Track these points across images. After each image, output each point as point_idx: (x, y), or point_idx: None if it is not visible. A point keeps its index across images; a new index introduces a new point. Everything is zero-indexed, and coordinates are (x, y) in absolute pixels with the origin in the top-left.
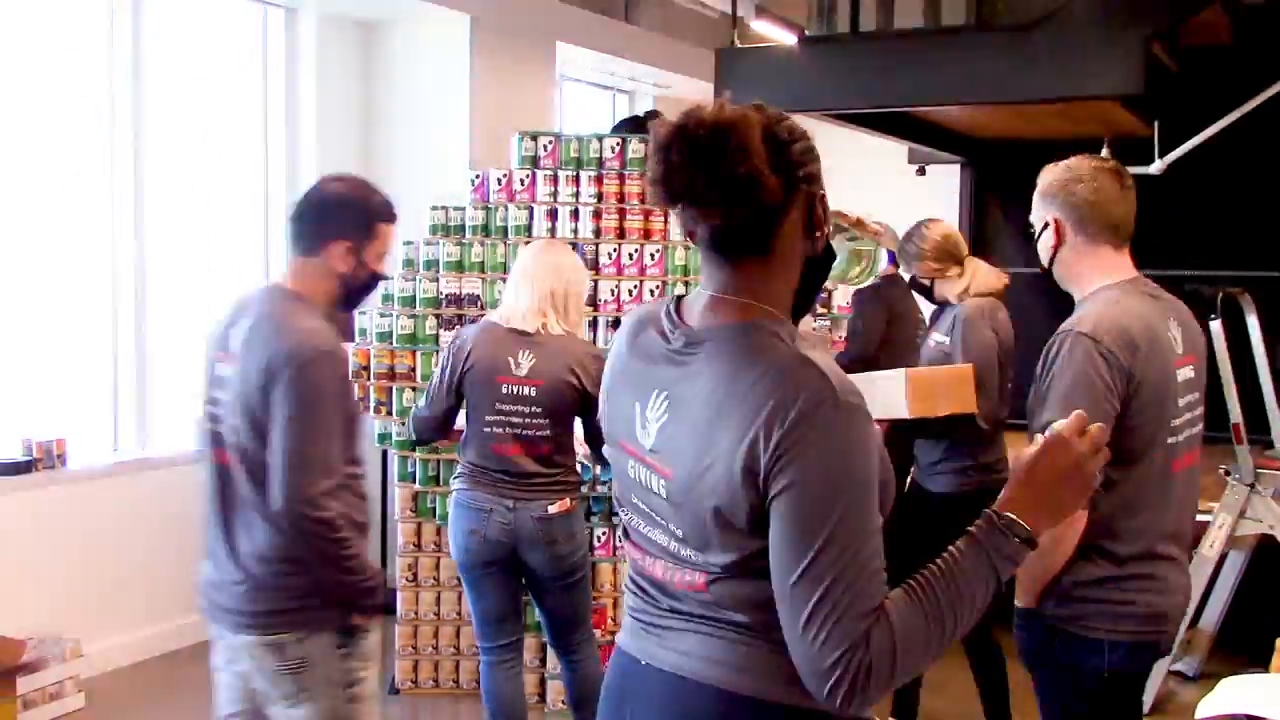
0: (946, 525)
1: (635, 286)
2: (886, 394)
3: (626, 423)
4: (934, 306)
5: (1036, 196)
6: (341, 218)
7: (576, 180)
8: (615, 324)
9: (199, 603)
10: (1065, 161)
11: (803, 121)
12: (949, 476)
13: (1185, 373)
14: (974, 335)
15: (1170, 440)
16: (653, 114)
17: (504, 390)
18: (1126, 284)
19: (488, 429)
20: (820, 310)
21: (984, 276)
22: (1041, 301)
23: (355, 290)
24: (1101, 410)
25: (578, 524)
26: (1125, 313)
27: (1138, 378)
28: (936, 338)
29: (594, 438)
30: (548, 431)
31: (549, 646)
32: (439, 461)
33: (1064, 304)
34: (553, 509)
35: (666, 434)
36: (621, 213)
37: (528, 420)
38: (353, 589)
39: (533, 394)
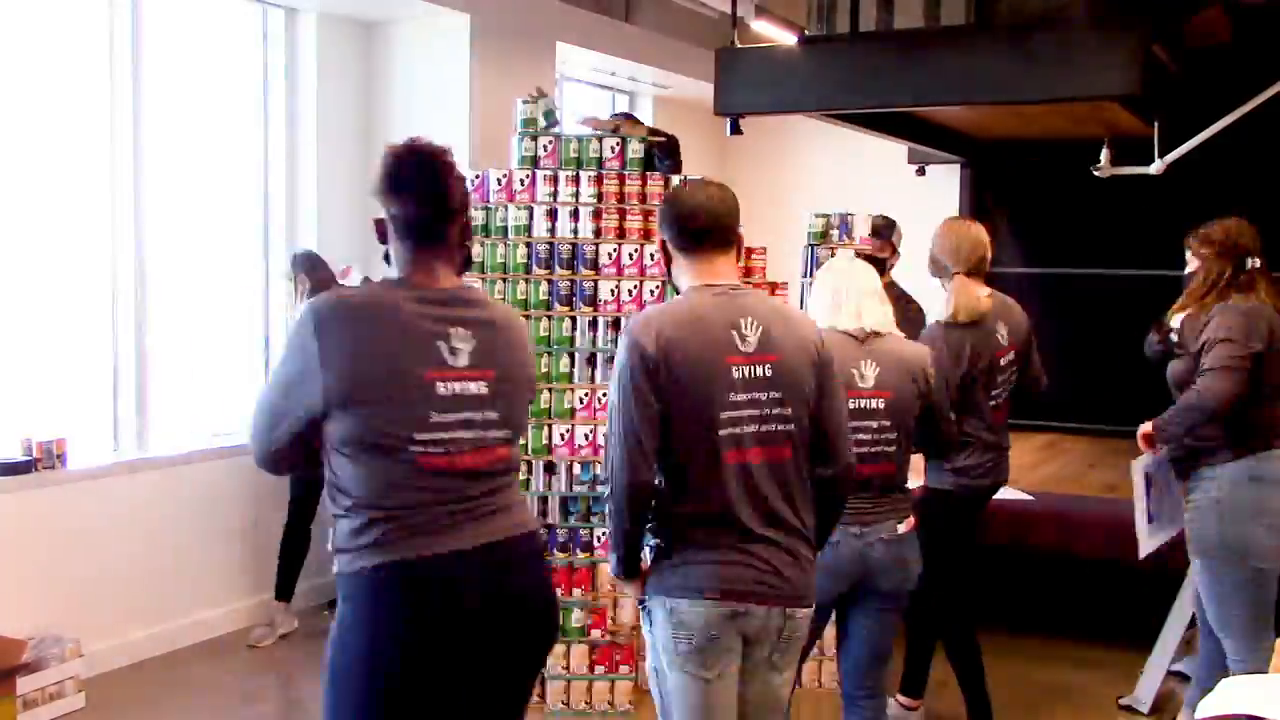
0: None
1: (635, 286)
2: None
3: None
4: None
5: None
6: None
7: (576, 180)
8: (615, 324)
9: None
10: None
11: (803, 121)
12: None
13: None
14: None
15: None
16: (625, 115)
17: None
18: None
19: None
20: None
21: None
22: (1035, 301)
23: None
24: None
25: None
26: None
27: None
28: None
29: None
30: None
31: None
32: None
33: (1052, 302)
34: (902, 528)
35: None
36: (621, 213)
37: (877, 436)
38: None
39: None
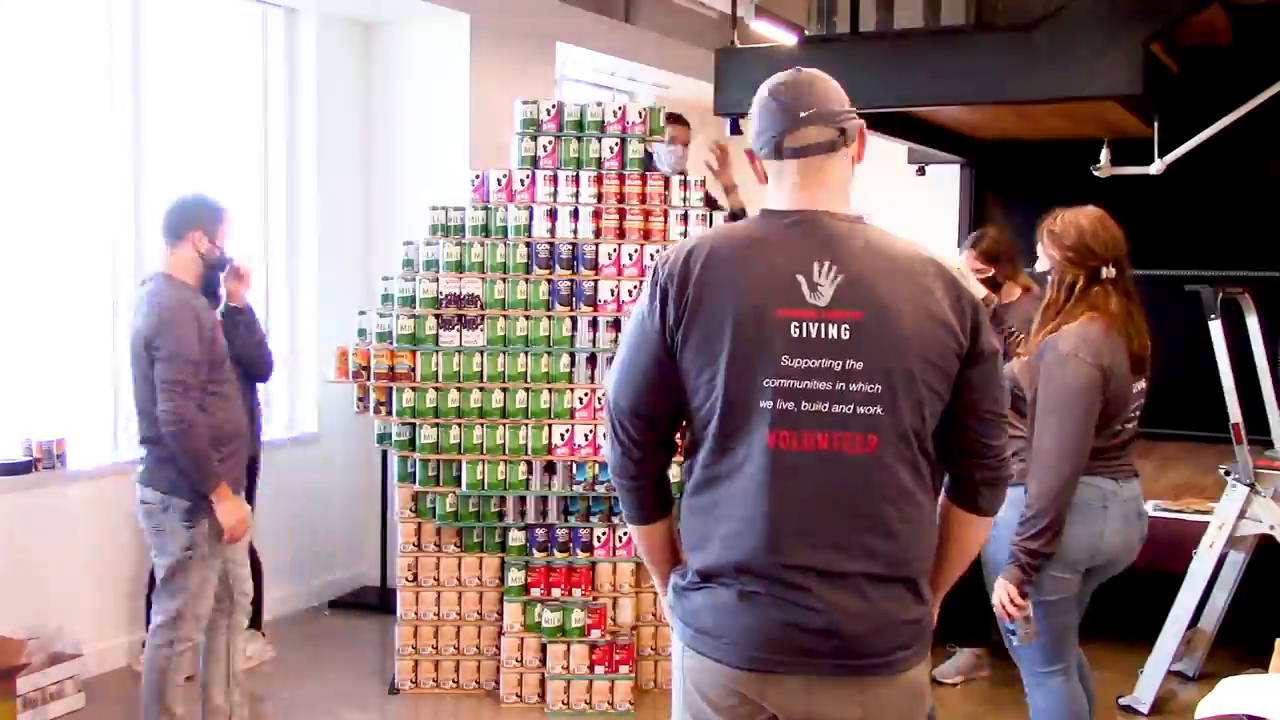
0: None
1: (635, 286)
2: None
3: None
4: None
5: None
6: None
7: (576, 180)
8: (615, 324)
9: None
10: None
11: None
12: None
13: None
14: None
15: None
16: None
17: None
18: None
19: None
20: None
21: None
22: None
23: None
24: None
25: None
26: None
27: None
28: None
29: None
30: None
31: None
32: (439, 462)
33: None
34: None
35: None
36: (621, 213)
37: None
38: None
39: None
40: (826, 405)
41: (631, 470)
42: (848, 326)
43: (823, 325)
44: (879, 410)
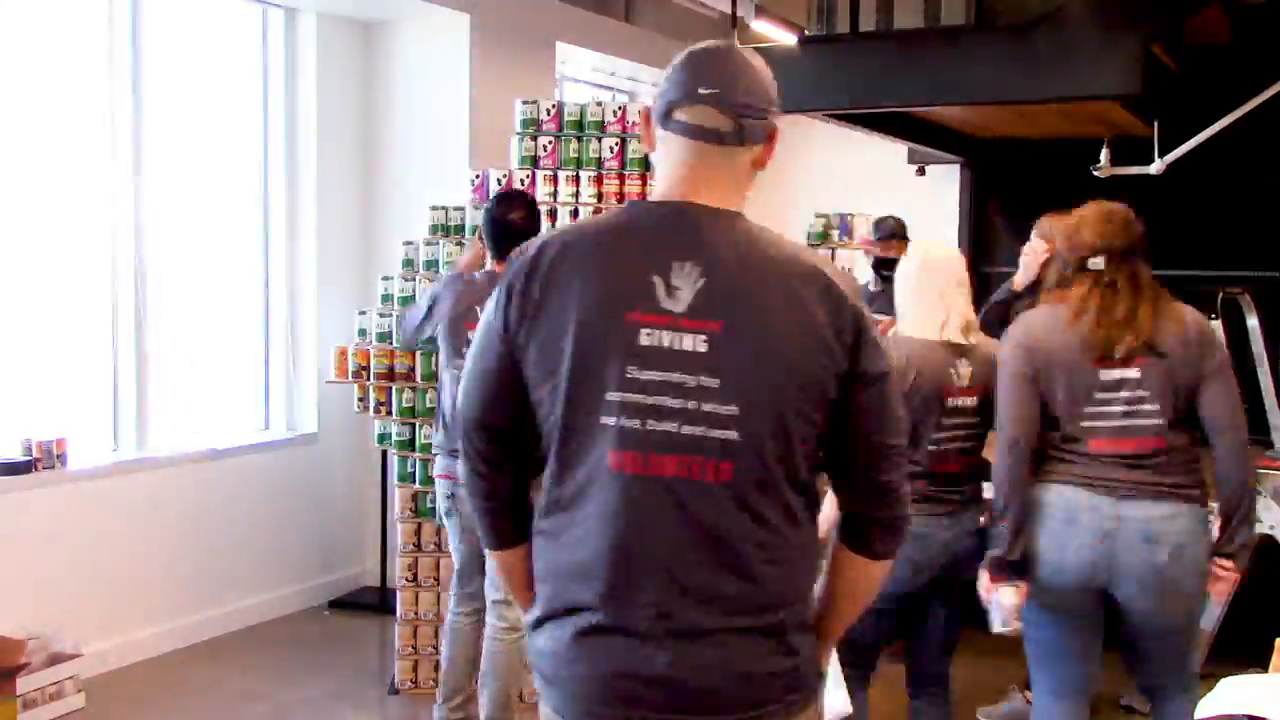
0: None
1: None
2: None
3: None
4: None
5: None
6: None
7: (576, 180)
8: None
9: None
10: None
11: (803, 121)
12: None
13: None
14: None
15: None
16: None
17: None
18: None
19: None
20: None
21: None
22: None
23: None
24: None
25: None
26: None
27: None
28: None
29: None
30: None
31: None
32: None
33: None
34: (983, 519)
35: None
36: None
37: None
38: None
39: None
40: (676, 426)
41: (483, 489)
42: (705, 338)
43: (677, 334)
44: (736, 435)
